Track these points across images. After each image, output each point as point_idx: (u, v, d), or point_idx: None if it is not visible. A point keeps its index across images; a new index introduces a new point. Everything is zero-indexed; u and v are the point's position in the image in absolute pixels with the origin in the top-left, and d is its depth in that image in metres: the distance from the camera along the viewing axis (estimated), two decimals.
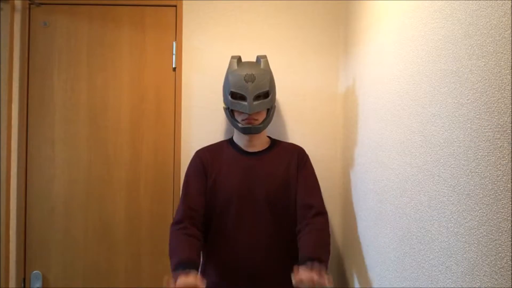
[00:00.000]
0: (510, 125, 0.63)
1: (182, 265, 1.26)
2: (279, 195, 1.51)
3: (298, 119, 1.85)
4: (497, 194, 0.67)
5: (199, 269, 1.51)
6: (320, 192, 1.54)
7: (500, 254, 0.66)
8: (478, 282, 0.72)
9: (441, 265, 0.86)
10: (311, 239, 1.37)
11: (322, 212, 1.47)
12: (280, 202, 1.51)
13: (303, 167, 1.56)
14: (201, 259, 1.54)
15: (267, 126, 1.57)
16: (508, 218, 0.64)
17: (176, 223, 1.44)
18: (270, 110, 1.57)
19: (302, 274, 1.17)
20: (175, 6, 1.84)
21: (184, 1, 1.84)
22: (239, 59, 1.60)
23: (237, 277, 1.46)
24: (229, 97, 1.52)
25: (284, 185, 1.52)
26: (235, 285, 1.46)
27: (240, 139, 1.59)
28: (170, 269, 1.31)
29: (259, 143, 1.59)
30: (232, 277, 1.46)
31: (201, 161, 1.55)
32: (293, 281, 1.18)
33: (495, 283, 0.67)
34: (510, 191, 0.63)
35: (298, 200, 1.50)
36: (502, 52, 0.66)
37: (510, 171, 0.63)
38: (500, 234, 0.66)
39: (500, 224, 0.66)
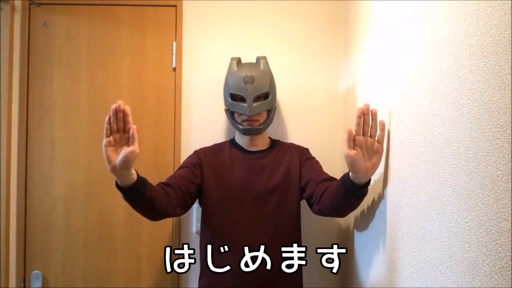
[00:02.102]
0: (510, 125, 0.63)
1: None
2: (282, 193, 1.51)
3: (298, 119, 1.85)
4: (497, 194, 0.67)
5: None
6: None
7: (500, 254, 0.66)
8: (478, 282, 0.72)
9: (441, 265, 0.86)
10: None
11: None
12: (283, 200, 1.51)
13: (307, 159, 1.56)
14: (200, 261, 1.54)
15: (267, 127, 1.57)
16: (508, 218, 0.63)
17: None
18: (271, 111, 1.57)
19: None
20: (175, 6, 1.84)
21: (184, 1, 1.84)
22: (238, 60, 1.60)
23: (239, 279, 1.45)
24: (229, 99, 1.53)
25: (287, 183, 1.52)
26: (238, 282, 1.45)
27: (241, 140, 1.60)
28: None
29: (260, 143, 1.60)
30: (234, 279, 1.45)
31: (199, 157, 1.56)
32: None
33: (495, 283, 0.67)
34: (510, 191, 0.63)
35: (312, 181, 1.45)
36: (502, 52, 0.66)
37: (510, 171, 0.63)
38: (500, 234, 0.66)
39: (500, 224, 0.66)
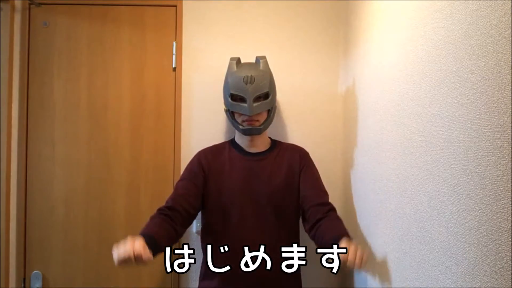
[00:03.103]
0: (510, 125, 0.63)
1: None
2: (282, 195, 1.51)
3: (298, 119, 1.85)
4: (497, 194, 0.67)
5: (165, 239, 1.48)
6: (324, 189, 1.55)
7: (500, 254, 0.66)
8: (478, 282, 0.72)
9: (441, 265, 0.86)
10: (336, 223, 1.39)
11: (335, 209, 1.48)
12: (283, 202, 1.51)
13: (307, 167, 1.56)
14: (201, 263, 1.54)
15: (268, 127, 1.57)
16: (508, 218, 0.64)
17: (166, 202, 1.46)
18: (271, 111, 1.57)
19: (350, 254, 1.17)
20: (175, 6, 1.84)
21: (184, 1, 1.84)
22: (238, 60, 1.60)
23: (239, 281, 1.45)
24: (229, 99, 1.52)
25: (287, 185, 1.52)
26: (238, 282, 1.45)
27: (241, 140, 1.59)
28: None
29: (261, 144, 1.59)
30: (234, 281, 1.45)
31: (200, 162, 1.55)
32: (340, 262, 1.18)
33: (495, 283, 0.67)
34: (510, 191, 0.63)
35: (308, 200, 1.49)
36: (502, 52, 0.66)
37: (510, 171, 0.63)
38: (500, 234, 0.66)
39: (500, 224, 0.66)
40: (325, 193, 1.52)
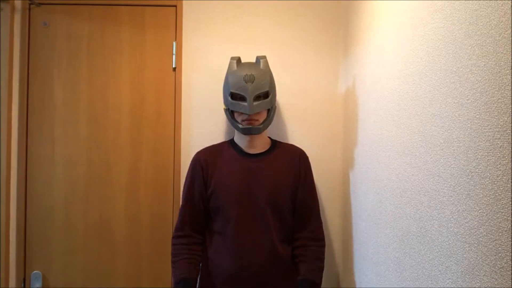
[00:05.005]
0: (510, 125, 0.63)
1: (182, 282, 1.44)
2: (281, 198, 1.51)
3: (298, 119, 1.85)
4: (497, 194, 0.67)
5: (198, 275, 1.53)
6: (319, 210, 1.60)
7: (500, 254, 0.66)
8: (478, 282, 0.72)
9: (441, 265, 0.86)
10: (310, 265, 1.50)
11: (320, 238, 1.56)
12: (281, 203, 1.51)
13: (305, 176, 1.57)
14: (200, 263, 1.55)
15: (267, 126, 1.57)
16: (508, 218, 0.64)
17: (176, 229, 1.54)
18: (271, 110, 1.57)
19: None
20: (175, 6, 1.84)
21: (184, 1, 1.84)
22: (238, 60, 1.60)
23: (238, 281, 1.45)
24: (229, 98, 1.52)
25: (286, 187, 1.52)
26: (237, 282, 1.46)
27: (240, 140, 1.59)
28: (171, 277, 1.46)
29: (260, 144, 1.59)
30: (233, 281, 1.45)
31: (200, 165, 1.55)
32: None
33: (495, 283, 0.67)
34: (510, 191, 0.63)
35: (298, 213, 1.55)
36: (502, 52, 0.66)
37: (510, 171, 0.63)
38: (500, 234, 0.66)
39: (500, 224, 0.66)
40: (315, 213, 1.57)
